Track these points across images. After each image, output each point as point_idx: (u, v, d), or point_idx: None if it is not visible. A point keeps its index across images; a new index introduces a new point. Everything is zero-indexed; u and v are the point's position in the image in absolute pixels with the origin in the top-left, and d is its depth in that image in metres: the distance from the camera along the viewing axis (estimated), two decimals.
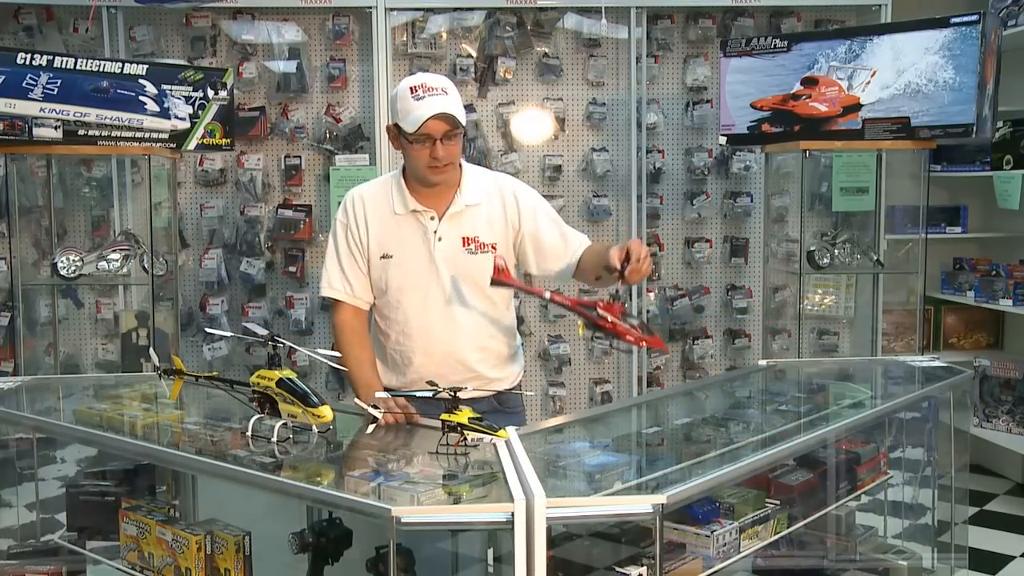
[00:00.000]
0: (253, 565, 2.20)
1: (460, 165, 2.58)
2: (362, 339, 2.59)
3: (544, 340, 4.80)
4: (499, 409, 2.61)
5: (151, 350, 2.83)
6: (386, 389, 2.60)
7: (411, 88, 2.41)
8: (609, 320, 2.15)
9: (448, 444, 1.99)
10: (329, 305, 2.69)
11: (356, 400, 2.30)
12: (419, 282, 2.53)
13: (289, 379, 2.08)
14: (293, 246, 4.72)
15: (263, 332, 2.24)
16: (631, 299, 4.76)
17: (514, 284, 2.39)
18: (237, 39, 4.63)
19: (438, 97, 2.39)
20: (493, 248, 2.54)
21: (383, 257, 2.55)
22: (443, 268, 2.52)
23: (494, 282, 2.36)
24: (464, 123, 2.44)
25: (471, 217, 2.55)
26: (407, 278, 2.54)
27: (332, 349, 2.54)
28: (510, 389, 2.67)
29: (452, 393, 2.03)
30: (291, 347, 2.28)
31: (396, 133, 2.48)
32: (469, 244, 2.53)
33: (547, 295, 2.31)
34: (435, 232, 2.53)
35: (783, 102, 4.04)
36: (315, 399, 2.05)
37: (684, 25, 4.81)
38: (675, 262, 4.93)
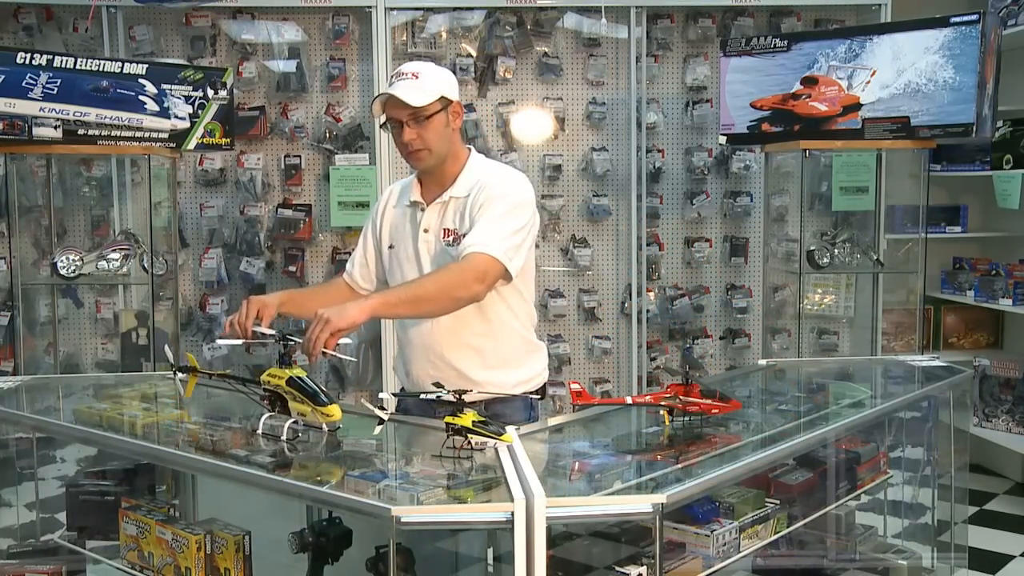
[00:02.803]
0: (253, 565, 2.20)
1: (469, 153, 2.56)
2: (326, 284, 2.71)
3: (544, 340, 4.80)
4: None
5: (166, 347, 2.84)
6: (401, 390, 2.60)
7: (391, 76, 2.47)
8: (694, 404, 2.25)
9: (453, 447, 1.98)
10: None
11: (363, 401, 2.27)
12: (405, 272, 2.55)
13: (299, 378, 2.09)
14: (293, 246, 4.72)
15: (271, 332, 2.25)
16: (631, 299, 4.77)
17: (595, 402, 2.40)
18: (237, 39, 4.63)
19: (404, 81, 2.41)
20: None
21: (389, 247, 2.61)
22: (424, 258, 2.52)
23: (576, 407, 2.34)
24: (420, 104, 2.37)
25: (454, 208, 2.51)
26: (398, 267, 2.58)
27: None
28: (507, 396, 2.50)
29: (457, 396, 2.02)
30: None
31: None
32: (448, 236, 2.49)
33: (628, 400, 2.35)
34: (420, 223, 2.53)
35: (783, 101, 4.04)
36: (325, 398, 2.06)
37: (684, 25, 4.81)
38: (675, 262, 4.93)
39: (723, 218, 4.91)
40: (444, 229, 2.50)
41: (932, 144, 3.91)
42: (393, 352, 4.61)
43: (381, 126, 2.51)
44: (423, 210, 2.53)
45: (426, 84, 2.41)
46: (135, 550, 2.35)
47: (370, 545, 2.07)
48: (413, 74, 2.42)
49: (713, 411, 2.25)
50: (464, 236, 2.40)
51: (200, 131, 3.95)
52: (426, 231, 2.52)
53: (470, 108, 4.68)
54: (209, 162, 4.64)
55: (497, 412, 2.49)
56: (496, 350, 2.53)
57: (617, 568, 1.92)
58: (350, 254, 2.74)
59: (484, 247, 2.33)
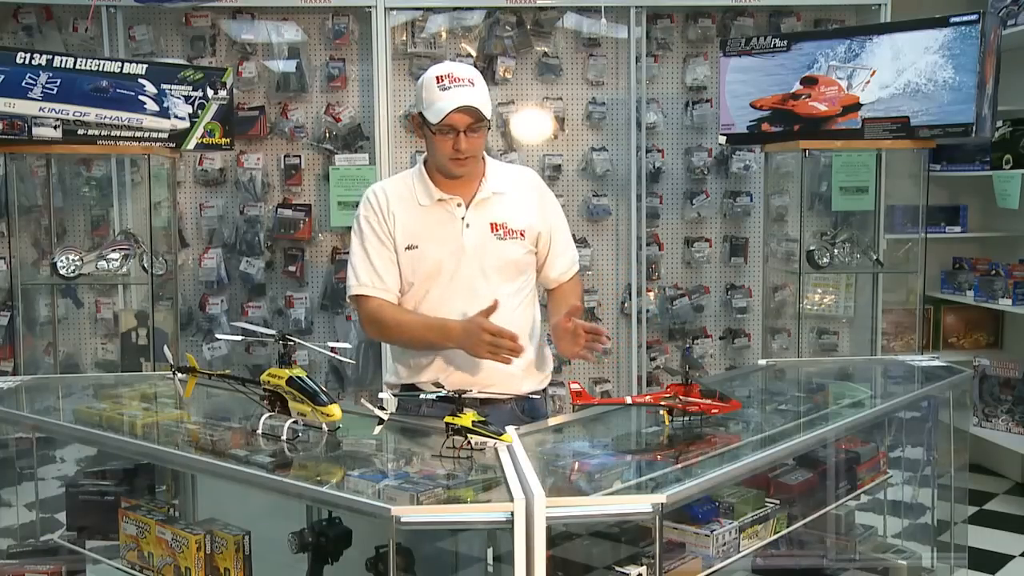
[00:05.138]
0: (253, 565, 2.20)
1: (483, 157, 2.58)
2: (402, 309, 2.53)
3: (544, 340, 4.79)
4: (522, 419, 2.53)
5: (165, 348, 2.84)
6: (404, 387, 2.58)
7: (437, 78, 2.42)
8: (694, 404, 2.25)
9: (452, 447, 1.98)
10: (353, 305, 2.61)
11: (363, 401, 2.26)
12: (447, 269, 2.50)
13: (299, 377, 2.09)
14: (293, 245, 4.72)
15: (271, 332, 2.25)
16: (631, 299, 4.77)
17: (595, 402, 2.40)
18: (237, 38, 4.63)
19: (463, 88, 2.40)
20: (521, 235, 2.55)
21: (408, 248, 2.51)
22: (472, 254, 2.50)
23: (576, 407, 2.34)
24: (488, 116, 2.44)
25: (498, 204, 2.54)
26: (435, 266, 2.50)
27: (353, 344, 2.50)
28: (533, 393, 2.60)
29: (457, 395, 2.02)
30: (301, 344, 2.28)
31: (420, 122, 2.48)
32: (498, 230, 2.52)
33: (628, 400, 2.35)
34: (463, 219, 2.51)
35: (783, 101, 4.03)
36: (324, 398, 2.06)
37: (684, 24, 4.81)
38: (675, 262, 4.93)
39: (723, 218, 4.91)
40: (491, 223, 2.52)
41: (932, 144, 3.91)
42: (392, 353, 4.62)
43: (427, 125, 2.44)
44: (461, 206, 2.52)
45: (483, 93, 2.45)
46: (135, 550, 2.34)
47: (370, 545, 2.07)
48: (469, 80, 2.43)
49: (713, 411, 2.25)
50: (514, 231, 2.53)
51: (200, 131, 3.94)
52: (469, 226, 2.51)
53: None
54: (209, 162, 4.64)
55: (525, 408, 2.58)
56: (529, 344, 2.61)
57: (617, 568, 1.92)
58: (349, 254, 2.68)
59: (576, 263, 2.74)
